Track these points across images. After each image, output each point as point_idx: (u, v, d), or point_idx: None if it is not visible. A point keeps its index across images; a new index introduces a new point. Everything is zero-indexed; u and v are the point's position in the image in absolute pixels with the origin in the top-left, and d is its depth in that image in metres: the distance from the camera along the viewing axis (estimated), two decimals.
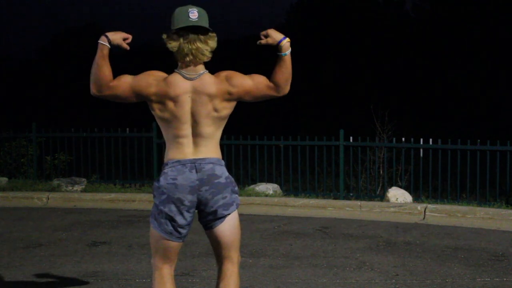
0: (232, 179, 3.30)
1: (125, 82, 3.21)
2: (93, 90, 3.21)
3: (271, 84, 3.29)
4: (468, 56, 31.57)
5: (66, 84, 38.35)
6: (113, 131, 10.62)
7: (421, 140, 9.21)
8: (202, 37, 3.17)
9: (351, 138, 9.51)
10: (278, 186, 9.68)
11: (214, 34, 3.23)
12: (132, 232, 7.05)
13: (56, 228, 7.30)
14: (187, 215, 3.23)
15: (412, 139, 9.30)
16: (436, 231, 7.15)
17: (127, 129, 10.54)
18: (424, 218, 7.99)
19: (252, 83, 3.27)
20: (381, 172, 9.72)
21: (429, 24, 34.05)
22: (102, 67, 3.18)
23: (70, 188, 9.74)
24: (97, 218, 7.94)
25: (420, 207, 8.19)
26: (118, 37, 3.23)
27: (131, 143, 10.52)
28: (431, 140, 9.17)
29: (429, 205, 8.21)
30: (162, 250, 3.29)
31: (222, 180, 3.23)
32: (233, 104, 3.28)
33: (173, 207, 3.20)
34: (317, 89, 33.38)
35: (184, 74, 3.20)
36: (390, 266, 5.55)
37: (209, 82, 3.21)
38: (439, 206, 8.21)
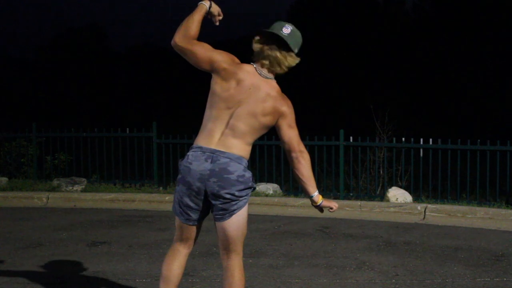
0: (247, 180, 3.31)
1: (207, 47, 3.35)
2: (175, 38, 3.32)
3: (295, 149, 3.37)
4: (468, 56, 31.56)
5: (66, 84, 38.34)
6: (113, 131, 10.62)
7: (421, 140, 9.21)
8: (283, 51, 3.31)
9: (351, 138, 9.51)
10: (278, 186, 9.68)
11: (298, 59, 3.36)
12: (132, 232, 7.05)
13: (56, 228, 7.29)
14: (194, 200, 3.34)
15: (412, 139, 9.30)
16: (436, 231, 7.15)
17: (127, 129, 10.54)
18: (424, 218, 7.99)
19: (287, 136, 3.37)
20: (381, 172, 9.71)
21: (429, 24, 34.04)
22: (195, 22, 3.34)
23: (70, 188, 9.74)
24: (97, 218, 7.94)
25: (420, 207, 8.18)
26: (217, 9, 3.44)
27: (131, 143, 10.52)
28: (431, 140, 9.17)
29: (429, 205, 8.21)
30: (177, 227, 3.49)
31: (233, 177, 3.27)
32: (270, 124, 3.36)
33: (183, 188, 3.35)
34: (317, 89, 33.37)
35: (258, 69, 3.35)
36: (390, 266, 5.55)
37: (274, 88, 3.35)
38: (439, 206, 8.21)
